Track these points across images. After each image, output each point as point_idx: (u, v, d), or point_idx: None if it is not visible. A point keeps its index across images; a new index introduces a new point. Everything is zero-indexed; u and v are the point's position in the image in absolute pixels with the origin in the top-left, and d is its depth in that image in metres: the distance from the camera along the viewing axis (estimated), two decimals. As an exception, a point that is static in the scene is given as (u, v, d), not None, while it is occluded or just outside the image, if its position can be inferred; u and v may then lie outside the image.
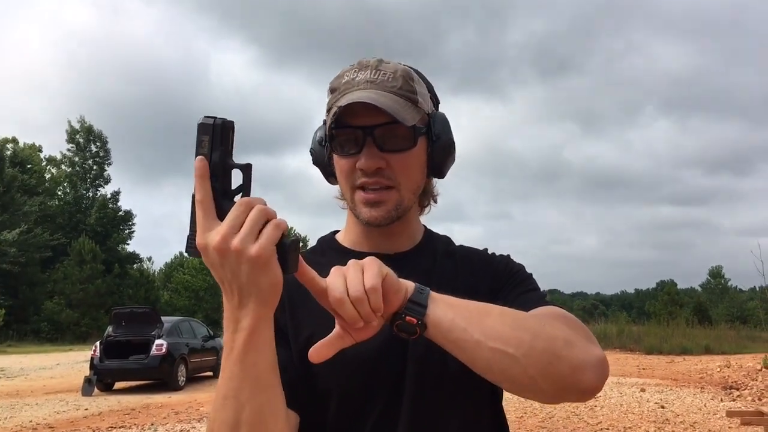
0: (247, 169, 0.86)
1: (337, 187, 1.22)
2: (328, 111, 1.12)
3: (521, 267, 1.23)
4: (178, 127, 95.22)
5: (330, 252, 1.21)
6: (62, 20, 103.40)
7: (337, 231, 1.26)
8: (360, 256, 1.13)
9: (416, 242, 1.22)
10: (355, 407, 1.06)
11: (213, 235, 0.82)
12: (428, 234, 1.25)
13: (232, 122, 0.85)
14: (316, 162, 1.20)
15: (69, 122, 51.35)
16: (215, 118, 0.85)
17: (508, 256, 1.25)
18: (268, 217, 0.83)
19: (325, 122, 1.17)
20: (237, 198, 0.85)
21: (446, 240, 1.27)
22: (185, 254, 0.89)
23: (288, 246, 0.85)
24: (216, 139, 0.84)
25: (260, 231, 0.82)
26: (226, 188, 0.85)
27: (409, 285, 0.94)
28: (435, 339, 0.93)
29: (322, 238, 1.27)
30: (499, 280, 1.18)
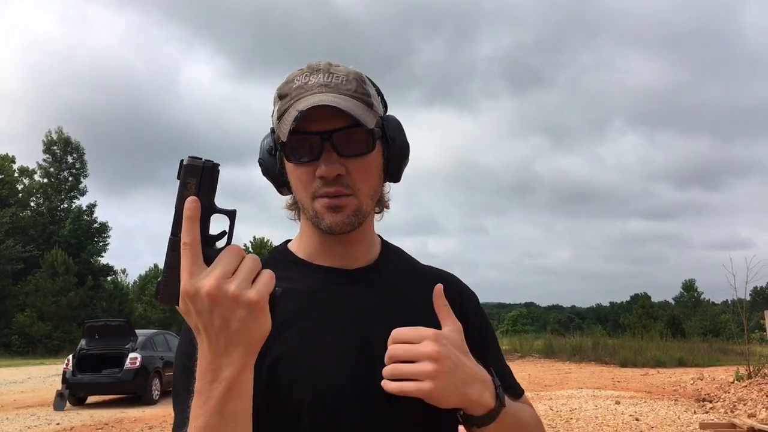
0: (232, 215, 0.84)
1: (287, 198, 1.17)
2: (280, 117, 1.06)
3: (489, 320, 1.25)
4: (147, 137, 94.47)
5: (284, 264, 1.14)
6: (28, 30, 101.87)
7: (289, 240, 1.21)
8: (318, 269, 1.13)
9: (375, 255, 1.18)
10: None
11: (204, 279, 0.78)
12: (385, 246, 1.22)
13: (218, 165, 0.83)
14: (266, 173, 1.14)
15: (49, 132, 50.90)
16: (202, 159, 0.82)
17: (477, 298, 1.26)
18: (260, 267, 0.82)
19: (273, 130, 1.11)
20: (218, 244, 0.83)
21: (403, 254, 1.24)
22: (157, 300, 0.84)
23: (278, 296, 0.83)
24: (204, 182, 0.82)
25: (254, 279, 0.81)
26: (207, 234, 0.82)
27: (490, 399, 1.01)
28: None
29: (275, 248, 1.21)
30: (468, 326, 1.15)
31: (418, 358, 0.95)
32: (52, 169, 50.91)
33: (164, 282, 0.82)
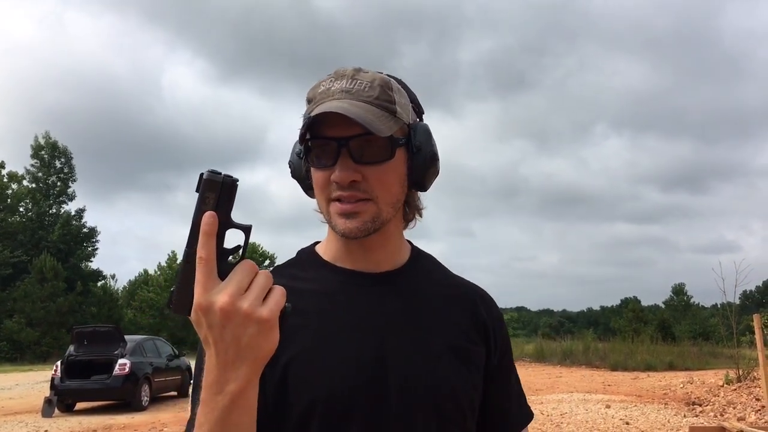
0: (247, 231, 0.85)
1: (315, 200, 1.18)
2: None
3: (509, 341, 1.25)
4: (130, 141, 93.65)
5: (310, 266, 1.16)
6: (6, 35, 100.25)
7: (318, 242, 1.21)
8: (343, 272, 1.13)
9: (403, 260, 1.17)
10: None
11: (218, 295, 0.80)
12: (415, 252, 1.21)
13: (237, 180, 0.84)
14: (294, 175, 1.16)
15: (36, 137, 50.54)
16: (222, 175, 0.83)
17: (501, 314, 1.25)
18: (272, 284, 0.83)
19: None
20: (231, 258, 0.84)
21: (434, 261, 1.24)
22: (168, 310, 0.86)
23: (288, 313, 0.85)
24: (222, 197, 0.83)
25: (266, 296, 0.82)
26: (222, 248, 0.83)
27: None
28: None
29: (302, 250, 1.22)
30: (496, 347, 1.18)
31: None
32: (40, 174, 50.57)
33: (177, 292, 0.83)
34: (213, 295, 0.80)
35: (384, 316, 1.09)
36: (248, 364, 0.82)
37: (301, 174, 1.14)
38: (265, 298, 0.82)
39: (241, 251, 0.85)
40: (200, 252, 0.81)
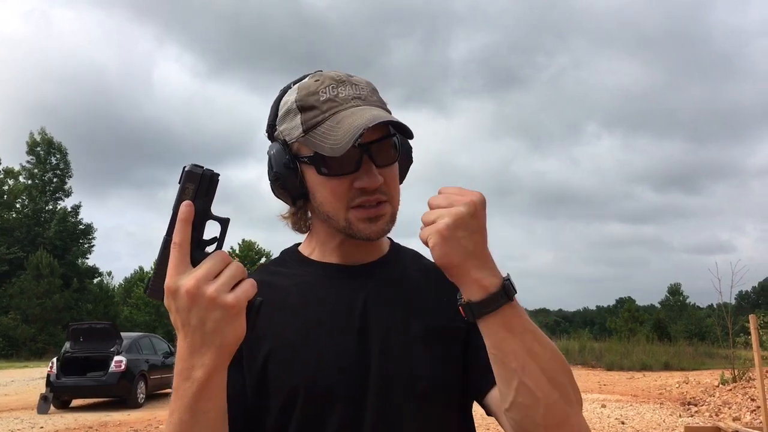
0: (225, 223, 0.90)
1: (286, 207, 1.17)
2: (309, 130, 1.05)
3: None
4: (121, 137, 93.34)
5: (290, 263, 1.19)
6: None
7: (299, 243, 1.23)
8: (326, 266, 1.16)
9: (384, 252, 1.20)
10: (314, 423, 1.04)
11: (186, 278, 0.84)
12: (395, 245, 1.24)
13: (218, 175, 0.88)
14: (285, 187, 1.10)
15: (32, 133, 50.38)
16: (203, 168, 0.88)
17: None
18: (244, 275, 0.86)
19: (287, 143, 1.09)
20: (208, 249, 0.88)
21: (415, 253, 1.25)
22: (146, 294, 0.90)
23: (257, 305, 0.88)
24: (201, 188, 0.87)
25: (235, 285, 0.85)
26: (199, 238, 0.88)
27: (492, 285, 0.93)
28: (485, 334, 0.95)
29: (285, 250, 1.25)
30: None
31: (440, 215, 0.93)
32: (36, 171, 50.44)
33: (154, 278, 0.88)
34: (181, 279, 0.84)
35: (364, 305, 1.11)
36: (214, 350, 0.85)
37: (294, 184, 1.10)
38: (235, 288, 0.85)
39: (217, 243, 0.89)
40: (175, 238, 0.86)
